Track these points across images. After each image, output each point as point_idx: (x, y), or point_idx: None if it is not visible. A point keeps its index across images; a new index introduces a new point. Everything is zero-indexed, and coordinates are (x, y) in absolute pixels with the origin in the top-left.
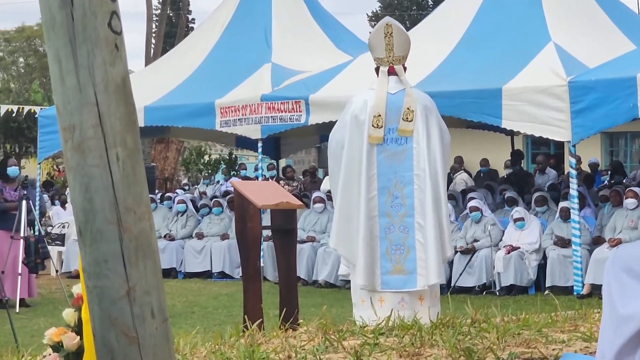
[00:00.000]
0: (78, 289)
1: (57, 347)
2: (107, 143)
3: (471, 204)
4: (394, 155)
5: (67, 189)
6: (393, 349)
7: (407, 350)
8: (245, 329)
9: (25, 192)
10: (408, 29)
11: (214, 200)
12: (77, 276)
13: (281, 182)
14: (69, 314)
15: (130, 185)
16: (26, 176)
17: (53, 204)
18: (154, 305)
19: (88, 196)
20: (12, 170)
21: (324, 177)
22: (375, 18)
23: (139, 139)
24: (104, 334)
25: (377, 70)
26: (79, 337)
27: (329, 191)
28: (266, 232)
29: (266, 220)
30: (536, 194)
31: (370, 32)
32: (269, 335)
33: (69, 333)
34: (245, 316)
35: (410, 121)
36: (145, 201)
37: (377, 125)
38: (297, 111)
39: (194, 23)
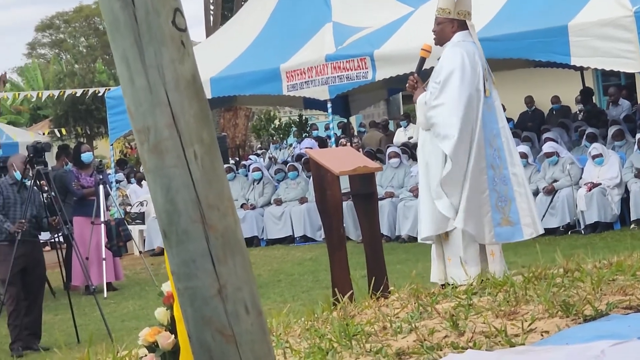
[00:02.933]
0: (167, 287)
1: (153, 347)
2: (183, 142)
3: (546, 149)
4: (488, 107)
5: (142, 165)
6: (488, 309)
7: (502, 309)
8: (336, 302)
9: (101, 177)
10: None
11: (288, 164)
12: (160, 253)
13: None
14: (161, 313)
15: (211, 181)
16: (100, 160)
17: (129, 182)
18: (247, 301)
19: (169, 197)
20: (86, 156)
21: (395, 130)
22: None
23: (214, 134)
24: (200, 335)
25: (459, 22)
26: (173, 335)
27: (403, 144)
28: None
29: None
30: (614, 129)
31: None
32: (360, 306)
33: (163, 332)
34: (335, 289)
35: (491, 73)
36: (228, 196)
37: (485, 78)
38: (363, 68)
39: None
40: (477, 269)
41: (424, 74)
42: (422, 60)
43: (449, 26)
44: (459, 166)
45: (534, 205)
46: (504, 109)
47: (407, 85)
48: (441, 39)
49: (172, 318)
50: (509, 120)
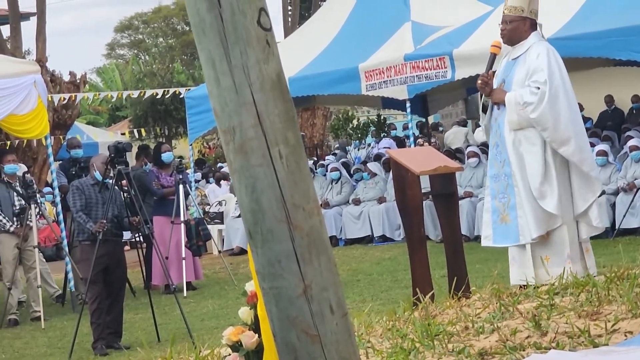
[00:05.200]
0: (251, 286)
1: (236, 346)
2: (268, 142)
3: (631, 143)
4: None
5: (218, 164)
6: (570, 309)
7: (585, 309)
8: (416, 301)
9: (180, 177)
10: None
11: (366, 164)
12: (239, 253)
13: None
14: (244, 313)
15: (296, 181)
16: (180, 160)
17: (207, 182)
18: (332, 301)
19: (255, 197)
20: (166, 156)
21: (474, 130)
22: None
23: (299, 134)
24: (285, 335)
25: (531, 21)
26: (257, 335)
27: (482, 143)
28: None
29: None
30: None
31: None
32: (442, 306)
33: (247, 332)
34: (417, 288)
35: None
36: (313, 196)
37: None
38: (442, 68)
39: None
40: (579, 266)
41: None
42: (493, 57)
43: (522, 25)
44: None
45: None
46: (582, 108)
47: (479, 82)
48: (513, 39)
49: (256, 317)
50: (587, 119)
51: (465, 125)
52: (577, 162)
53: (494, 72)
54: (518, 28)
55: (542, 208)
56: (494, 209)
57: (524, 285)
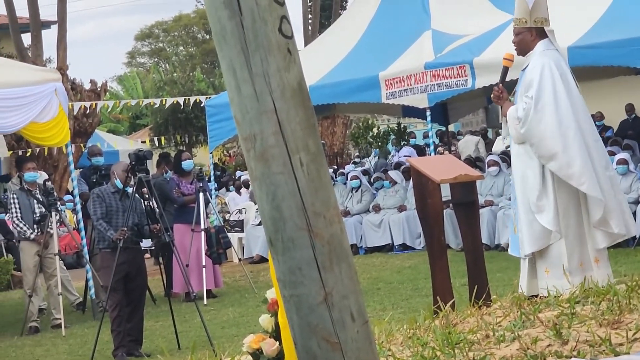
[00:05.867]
0: (272, 294)
1: (257, 354)
2: (289, 149)
3: None
4: None
5: (237, 172)
6: (591, 318)
7: (606, 318)
8: (437, 310)
9: (201, 185)
10: None
11: (386, 173)
12: (259, 261)
13: (439, 147)
14: (265, 320)
15: (317, 189)
16: (200, 168)
17: (227, 190)
18: (352, 309)
19: (275, 204)
20: (187, 164)
21: (495, 138)
22: None
23: (320, 142)
24: (305, 342)
25: (537, 30)
26: (278, 342)
27: (503, 152)
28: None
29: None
30: None
31: None
32: (462, 315)
33: (267, 339)
34: (437, 297)
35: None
36: (334, 204)
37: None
38: (462, 76)
39: None
40: (580, 278)
41: (508, 85)
42: (506, 70)
43: (528, 35)
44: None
45: (626, 207)
46: (603, 117)
47: (492, 96)
48: (522, 50)
49: (277, 325)
50: (608, 128)
51: (484, 134)
52: (564, 177)
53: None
54: (524, 39)
55: (539, 222)
56: (511, 218)
57: (535, 296)
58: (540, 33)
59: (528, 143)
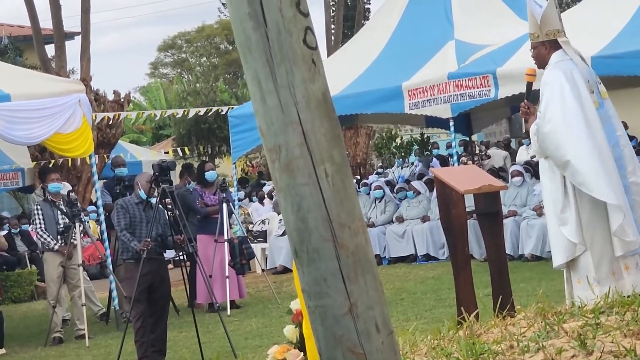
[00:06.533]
0: (296, 304)
1: None
2: (314, 160)
3: None
4: (604, 118)
5: (261, 181)
6: (616, 328)
7: (631, 328)
8: (461, 320)
9: (224, 195)
10: None
11: (410, 183)
12: (282, 272)
13: (462, 157)
14: (290, 331)
15: (342, 200)
16: (223, 179)
17: (251, 200)
18: (377, 320)
19: (301, 216)
20: (210, 175)
21: (517, 148)
22: None
23: (345, 153)
24: (331, 353)
25: (551, 43)
26: (302, 353)
27: (526, 162)
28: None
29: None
30: None
31: (534, 6)
32: (486, 325)
33: (292, 350)
34: (461, 307)
35: (600, 83)
36: (359, 215)
37: (591, 90)
38: (485, 86)
39: (369, 4)
40: (613, 287)
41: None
42: (530, 85)
43: (543, 49)
44: (585, 188)
45: None
46: (627, 127)
47: (520, 113)
48: (540, 63)
49: (301, 335)
50: (632, 138)
51: (507, 144)
52: (577, 185)
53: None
54: (540, 53)
55: (564, 235)
56: None
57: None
58: (555, 45)
59: (547, 155)
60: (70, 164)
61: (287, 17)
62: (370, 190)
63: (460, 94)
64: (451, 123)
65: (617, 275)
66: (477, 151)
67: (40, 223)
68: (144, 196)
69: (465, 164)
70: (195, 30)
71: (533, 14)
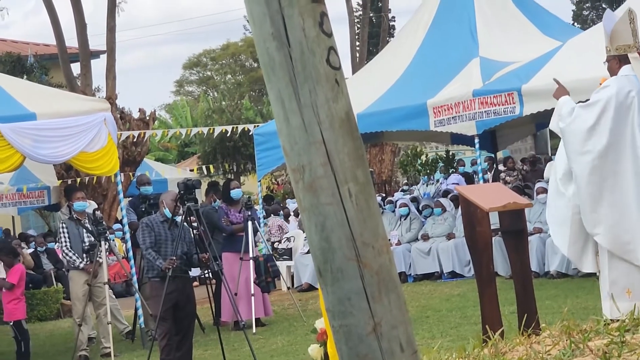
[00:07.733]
0: (321, 323)
1: None
2: (337, 180)
3: None
4: None
5: (286, 200)
6: None
7: None
8: (486, 338)
9: (249, 213)
10: (614, 9)
11: (435, 200)
12: (308, 289)
13: (501, 174)
14: (314, 350)
15: (366, 219)
16: (249, 197)
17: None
18: (401, 339)
19: (324, 235)
20: (235, 193)
21: (544, 165)
22: None
23: (368, 172)
24: None
25: (620, 57)
26: None
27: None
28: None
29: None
30: None
31: (604, 20)
32: (512, 343)
33: None
34: (486, 325)
35: None
36: (382, 234)
37: None
38: (510, 103)
39: (394, 21)
40: (630, 305)
41: None
42: None
43: (614, 62)
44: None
45: None
46: None
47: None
48: (612, 75)
49: (326, 355)
50: None
51: (532, 161)
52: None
53: None
54: (612, 66)
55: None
56: None
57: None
58: (625, 59)
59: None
60: (95, 182)
61: (310, 37)
62: (396, 207)
63: (485, 111)
64: (476, 140)
65: (635, 294)
66: (517, 166)
67: (65, 241)
68: (169, 214)
69: (505, 180)
70: (220, 48)
71: (605, 29)
